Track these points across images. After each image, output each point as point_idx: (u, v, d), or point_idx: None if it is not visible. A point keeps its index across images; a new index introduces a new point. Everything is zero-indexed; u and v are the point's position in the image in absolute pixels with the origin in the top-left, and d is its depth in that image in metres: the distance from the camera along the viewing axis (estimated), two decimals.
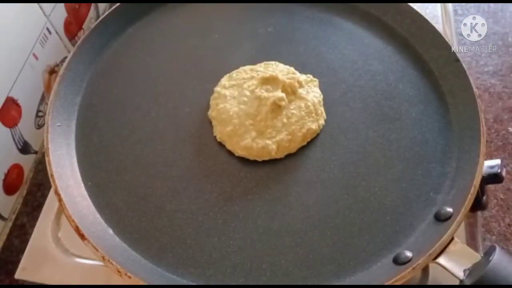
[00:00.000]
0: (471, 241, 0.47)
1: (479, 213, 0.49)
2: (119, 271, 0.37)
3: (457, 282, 0.36)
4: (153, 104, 0.50)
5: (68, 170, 0.45)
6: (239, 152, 0.45)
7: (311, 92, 0.48)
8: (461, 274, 0.35)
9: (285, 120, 0.45)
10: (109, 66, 0.53)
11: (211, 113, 0.48)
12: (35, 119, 0.59)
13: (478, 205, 0.41)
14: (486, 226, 0.53)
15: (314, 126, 0.46)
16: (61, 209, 0.41)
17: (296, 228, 0.41)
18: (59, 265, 0.47)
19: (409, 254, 0.38)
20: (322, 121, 0.47)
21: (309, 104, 0.46)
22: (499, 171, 0.41)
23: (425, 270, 0.44)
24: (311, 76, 0.50)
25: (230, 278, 0.39)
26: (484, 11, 0.72)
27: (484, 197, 0.43)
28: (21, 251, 0.48)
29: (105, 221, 0.42)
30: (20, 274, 0.47)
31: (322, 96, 0.49)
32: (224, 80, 0.50)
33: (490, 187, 0.44)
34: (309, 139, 0.46)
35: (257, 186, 0.44)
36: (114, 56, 0.54)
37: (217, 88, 0.50)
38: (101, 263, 0.39)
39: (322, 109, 0.48)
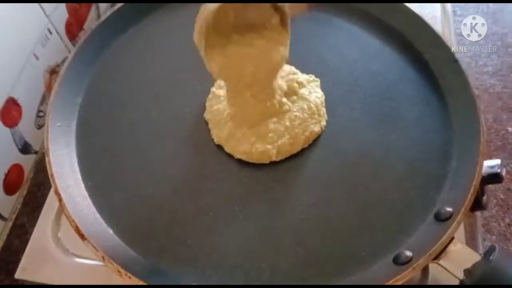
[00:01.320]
0: (471, 241, 0.47)
1: (479, 213, 0.49)
2: (119, 271, 0.37)
3: (457, 282, 0.36)
4: (153, 104, 0.50)
5: (68, 170, 0.45)
6: (238, 156, 0.45)
7: (313, 92, 0.47)
8: (461, 274, 0.35)
9: (288, 124, 0.44)
10: (109, 66, 0.53)
11: (206, 115, 0.47)
12: (35, 119, 0.59)
13: (478, 205, 0.41)
14: (486, 226, 0.53)
15: (316, 128, 0.45)
16: (61, 209, 0.41)
17: (296, 228, 0.41)
18: (59, 265, 0.47)
19: (409, 254, 0.38)
20: (324, 122, 0.47)
21: (312, 105, 0.46)
22: (499, 171, 0.41)
23: (425, 270, 0.43)
24: (313, 76, 0.49)
25: (230, 278, 0.39)
26: (483, 12, 0.72)
27: (484, 197, 0.43)
28: (21, 251, 0.48)
29: (105, 221, 0.42)
30: (20, 274, 0.47)
31: (324, 97, 0.48)
32: None
33: (490, 187, 0.44)
34: (311, 141, 0.46)
35: (257, 186, 0.44)
36: (114, 56, 0.54)
37: (213, 88, 0.48)
38: (101, 263, 0.39)
39: (324, 110, 0.47)
